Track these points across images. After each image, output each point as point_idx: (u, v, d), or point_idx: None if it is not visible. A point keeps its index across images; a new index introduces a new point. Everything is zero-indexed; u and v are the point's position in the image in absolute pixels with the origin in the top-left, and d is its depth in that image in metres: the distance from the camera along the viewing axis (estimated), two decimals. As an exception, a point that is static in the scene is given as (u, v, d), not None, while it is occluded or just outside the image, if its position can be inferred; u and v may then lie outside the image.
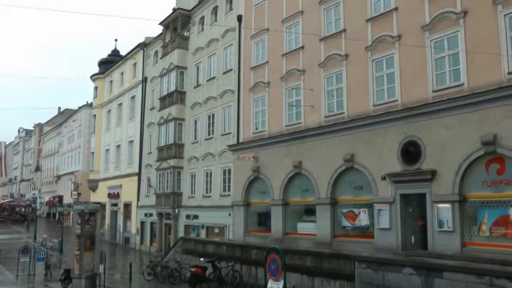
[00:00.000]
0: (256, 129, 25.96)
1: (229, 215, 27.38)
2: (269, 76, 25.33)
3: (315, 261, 17.11)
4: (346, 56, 20.73)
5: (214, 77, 30.94)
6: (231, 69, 29.09)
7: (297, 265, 17.30)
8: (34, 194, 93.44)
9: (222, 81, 29.96)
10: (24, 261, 26.96)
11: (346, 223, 20.47)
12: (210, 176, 30.31)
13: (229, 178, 28.36)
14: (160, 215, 35.50)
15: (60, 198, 71.89)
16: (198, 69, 33.17)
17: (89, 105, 63.02)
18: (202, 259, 22.18)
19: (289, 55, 24.02)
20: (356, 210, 20.01)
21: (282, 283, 10.38)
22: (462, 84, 16.18)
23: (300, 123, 22.82)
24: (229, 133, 28.60)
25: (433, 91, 17.06)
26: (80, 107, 69.89)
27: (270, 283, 10.60)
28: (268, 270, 10.57)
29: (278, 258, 10.45)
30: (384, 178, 18.35)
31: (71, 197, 57.43)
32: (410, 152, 17.50)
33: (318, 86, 22.01)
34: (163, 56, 36.70)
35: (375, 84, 19.39)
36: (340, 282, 15.89)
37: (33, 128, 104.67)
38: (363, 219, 19.62)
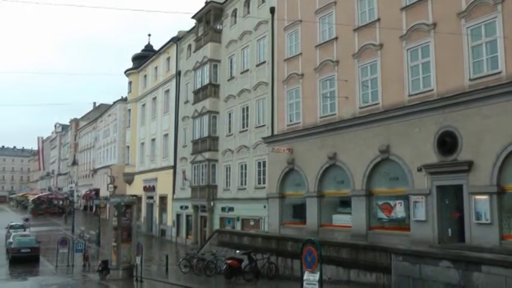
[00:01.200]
0: (291, 121, 26.13)
1: (264, 207, 27.70)
2: (303, 68, 25.45)
3: (351, 253, 17.15)
4: (381, 45, 20.68)
5: (247, 70, 31.24)
6: (264, 62, 29.34)
7: (332, 257, 17.34)
8: (71, 187, 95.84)
9: (255, 74, 30.23)
10: (63, 253, 28.02)
11: (381, 215, 20.50)
12: (245, 169, 30.72)
13: (264, 170, 28.68)
14: (195, 207, 36.14)
15: (97, 191, 73.83)
16: (231, 62, 33.51)
17: (123, 100, 64.26)
18: (238, 251, 22.31)
19: (323, 46, 24.08)
20: (392, 202, 20.02)
21: (318, 275, 10.34)
22: (500, 72, 16.01)
23: (335, 114, 22.90)
24: (264, 125, 28.91)
25: (470, 80, 16.92)
26: (114, 102, 71.27)
27: (306, 275, 10.53)
28: (304, 262, 10.53)
29: (314, 250, 10.41)
30: (419, 169, 18.32)
31: (107, 190, 58.72)
32: (447, 142, 17.39)
33: (352, 76, 22.03)
34: (197, 49, 37.19)
35: (410, 73, 19.30)
36: (376, 274, 15.94)
37: (69, 123, 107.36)
38: (399, 211, 19.63)
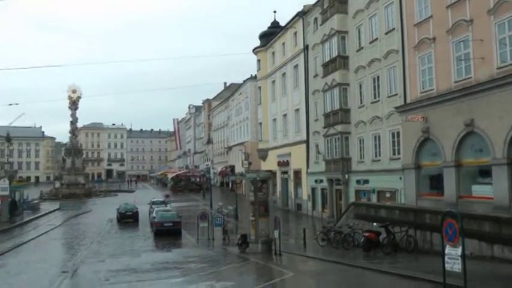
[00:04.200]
0: (423, 88, 26.03)
1: (400, 178, 27.97)
2: (434, 31, 25.10)
3: (494, 226, 16.55)
4: (520, -1, 19.76)
5: (376, 39, 31.42)
6: (393, 29, 29.36)
7: (474, 231, 16.65)
8: (207, 164, 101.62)
9: (385, 42, 30.36)
10: (203, 227, 29.62)
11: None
12: (379, 140, 31.17)
13: (398, 141, 28.93)
14: (330, 181, 37.26)
15: (232, 168, 77.88)
16: (359, 32, 33.80)
17: (253, 78, 66.81)
18: (375, 224, 22.57)
19: (455, 5, 23.50)
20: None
21: (460, 249, 10.10)
22: None
23: (470, 77, 22.46)
24: (396, 94, 29.09)
25: None
26: (244, 81, 74.26)
27: (447, 249, 10.37)
28: (445, 235, 10.35)
29: (455, 223, 10.17)
30: None
31: (242, 166, 61.83)
32: None
33: (488, 35, 21.34)
34: (323, 22, 37.86)
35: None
36: (524, 251, 15.30)
37: (202, 104, 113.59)
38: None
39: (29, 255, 26.04)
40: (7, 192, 41.46)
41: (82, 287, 18.30)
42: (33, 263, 23.53)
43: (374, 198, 31.11)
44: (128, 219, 41.27)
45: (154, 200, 48.94)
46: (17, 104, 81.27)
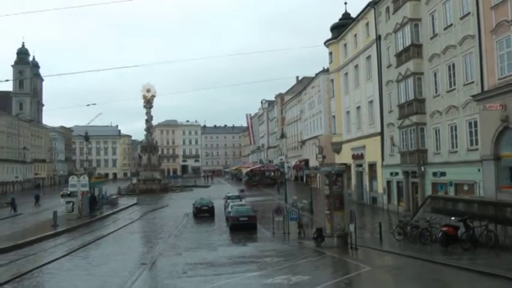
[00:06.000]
0: (502, 74, 25.19)
1: (479, 170, 27.24)
2: (512, 12, 24.21)
3: None
4: None
5: (451, 24, 30.68)
6: (468, 13, 28.56)
7: None
8: (281, 159, 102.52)
9: (460, 28, 29.61)
10: (278, 221, 30.12)
11: None
12: (455, 130, 30.51)
13: (475, 131, 28.20)
14: (405, 173, 36.79)
15: (306, 161, 78.36)
16: (432, 19, 33.10)
17: (325, 71, 66.80)
18: (453, 218, 22.11)
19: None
20: None
21: None
22: None
23: (553, 62, 21.60)
24: (472, 82, 28.36)
25: None
26: (317, 74, 74.35)
27: None
28: None
29: None
30: None
31: (316, 160, 62.07)
32: None
33: None
34: (395, 10, 37.38)
35: None
36: None
37: (274, 99, 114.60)
38: None
39: (109, 248, 27.66)
40: (87, 188, 44.29)
41: (160, 279, 19.04)
42: (113, 255, 25.03)
43: (451, 191, 30.46)
44: (203, 213, 42.57)
45: (229, 194, 49.85)
46: (94, 104, 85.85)
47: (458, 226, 21.14)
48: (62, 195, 64.18)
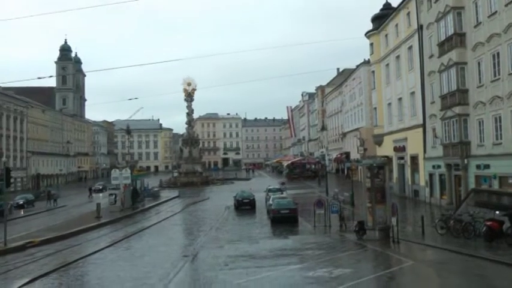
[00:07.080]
0: (549, 62, 24.64)
1: (524, 162, 26.72)
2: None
3: None
4: None
5: (495, 12, 29.95)
6: (514, 0, 27.93)
7: None
8: (322, 151, 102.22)
9: (505, 15, 28.87)
10: (319, 214, 30.32)
11: None
12: (500, 121, 29.86)
13: (521, 122, 27.62)
14: (448, 166, 36.30)
15: (347, 154, 78.04)
16: (476, 6, 32.39)
17: (366, 62, 66.30)
18: (497, 212, 21.77)
19: None
20: None
21: None
22: None
23: None
24: (518, 71, 27.72)
25: None
26: (357, 65, 73.87)
27: None
28: None
29: None
30: None
31: (358, 152, 61.77)
32: None
33: None
34: (437, -1, 36.77)
35: None
36: None
37: (315, 91, 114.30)
38: None
39: (151, 239, 28.31)
40: (129, 181, 45.42)
41: (202, 270, 19.41)
42: (155, 246, 25.65)
43: (496, 185, 29.86)
44: (245, 206, 43.01)
45: (270, 187, 50.03)
46: (136, 98, 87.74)
47: (503, 221, 20.80)
48: (94, 191, 66.38)
